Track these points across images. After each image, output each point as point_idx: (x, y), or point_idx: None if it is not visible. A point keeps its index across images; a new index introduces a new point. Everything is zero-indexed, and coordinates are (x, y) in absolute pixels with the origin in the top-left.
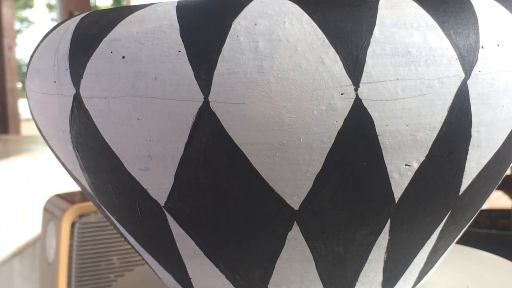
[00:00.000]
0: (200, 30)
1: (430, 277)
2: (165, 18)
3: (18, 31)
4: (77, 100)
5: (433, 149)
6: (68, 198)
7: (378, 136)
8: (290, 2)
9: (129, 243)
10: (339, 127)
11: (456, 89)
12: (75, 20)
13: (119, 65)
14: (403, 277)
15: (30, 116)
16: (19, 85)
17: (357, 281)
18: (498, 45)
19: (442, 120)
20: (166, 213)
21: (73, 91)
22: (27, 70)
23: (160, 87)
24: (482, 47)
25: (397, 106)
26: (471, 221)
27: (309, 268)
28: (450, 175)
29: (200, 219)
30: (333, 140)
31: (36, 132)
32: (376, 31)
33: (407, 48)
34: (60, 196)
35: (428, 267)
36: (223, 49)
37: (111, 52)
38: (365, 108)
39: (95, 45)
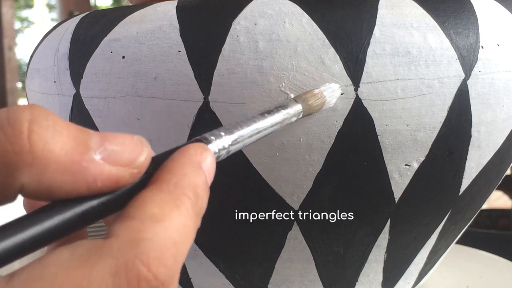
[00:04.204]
0: (200, 30)
1: (430, 277)
2: (165, 18)
3: (18, 31)
4: (77, 100)
5: (433, 149)
6: None
7: (378, 136)
8: (290, 2)
9: None
10: (339, 127)
11: (456, 89)
12: (75, 20)
13: (119, 65)
14: (403, 277)
15: None
16: (19, 85)
17: (357, 281)
18: (498, 45)
19: (442, 120)
20: None
21: (73, 91)
22: (27, 70)
23: (160, 87)
24: (482, 47)
25: (397, 106)
26: (471, 221)
27: (309, 268)
28: (450, 175)
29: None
30: (333, 140)
31: None
32: (376, 31)
33: (407, 48)
34: None
35: (428, 267)
36: (223, 49)
37: (111, 52)
38: (365, 108)
39: (95, 45)
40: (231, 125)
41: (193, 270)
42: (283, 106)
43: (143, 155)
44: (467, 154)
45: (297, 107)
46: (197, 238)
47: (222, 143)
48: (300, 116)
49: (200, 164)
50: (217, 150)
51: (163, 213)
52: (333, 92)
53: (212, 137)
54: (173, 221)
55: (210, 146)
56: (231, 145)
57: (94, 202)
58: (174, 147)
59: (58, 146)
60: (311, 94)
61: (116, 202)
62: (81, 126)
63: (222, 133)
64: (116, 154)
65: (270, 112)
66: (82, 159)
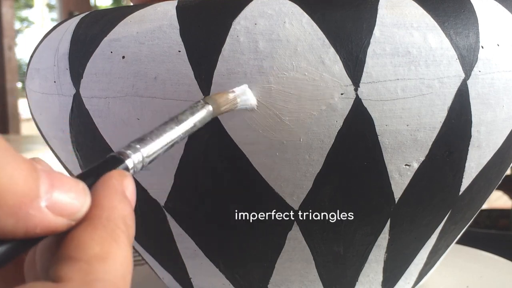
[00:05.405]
0: (200, 30)
1: (430, 277)
2: (165, 18)
3: (18, 31)
4: (77, 100)
5: (433, 149)
6: None
7: (378, 136)
8: (290, 2)
9: None
10: (339, 127)
11: (456, 89)
12: (75, 20)
13: (119, 65)
14: (403, 277)
15: (30, 116)
16: (19, 85)
17: (357, 281)
18: (498, 45)
19: (442, 120)
20: (166, 213)
21: (73, 91)
22: (27, 70)
23: (160, 87)
24: (482, 47)
25: (397, 106)
26: (471, 221)
27: (309, 268)
28: (450, 175)
29: (200, 219)
30: (333, 140)
31: (36, 132)
32: (376, 31)
33: (407, 48)
34: None
35: (428, 267)
36: (223, 49)
37: (111, 52)
38: (365, 108)
39: (95, 45)
40: (146, 135)
41: (193, 270)
42: (194, 109)
43: (85, 206)
44: (467, 154)
45: (209, 108)
46: (197, 238)
47: (138, 156)
48: (210, 119)
49: (125, 193)
50: (132, 165)
51: (105, 251)
52: (248, 100)
53: (129, 151)
54: (116, 256)
55: (127, 161)
56: (146, 157)
57: (20, 242)
58: (87, 170)
59: (12, 187)
60: (223, 96)
61: (38, 241)
62: (80, 127)
63: (138, 146)
64: (60, 204)
65: (182, 117)
66: (30, 206)
